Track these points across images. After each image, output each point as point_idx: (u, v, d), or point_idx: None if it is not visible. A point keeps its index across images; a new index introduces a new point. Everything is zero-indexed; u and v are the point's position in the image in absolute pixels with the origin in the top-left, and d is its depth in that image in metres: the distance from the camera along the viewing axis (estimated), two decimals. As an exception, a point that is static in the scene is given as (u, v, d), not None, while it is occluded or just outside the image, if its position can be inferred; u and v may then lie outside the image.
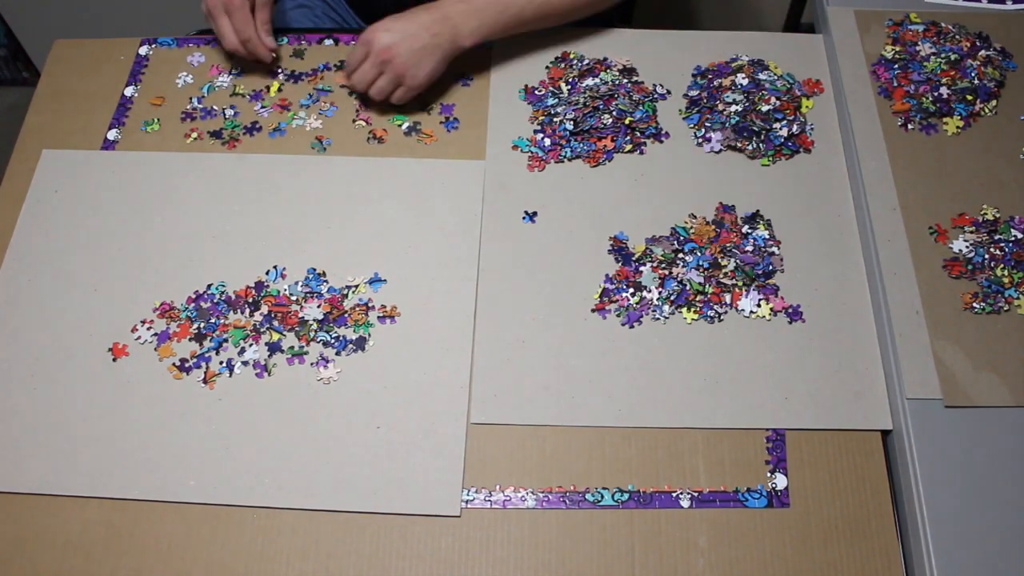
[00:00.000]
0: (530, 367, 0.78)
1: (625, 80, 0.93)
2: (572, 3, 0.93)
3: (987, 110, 0.90)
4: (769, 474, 0.73)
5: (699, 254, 0.82)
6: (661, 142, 0.91)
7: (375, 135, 0.92)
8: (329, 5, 1.18)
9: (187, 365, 0.78)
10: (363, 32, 0.89)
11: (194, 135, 0.92)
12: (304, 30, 1.05)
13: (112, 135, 0.93)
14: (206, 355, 0.79)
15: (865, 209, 0.84)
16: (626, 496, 0.72)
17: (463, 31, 0.88)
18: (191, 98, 0.95)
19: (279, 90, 0.96)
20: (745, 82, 0.92)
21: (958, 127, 0.89)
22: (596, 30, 1.00)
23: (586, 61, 0.95)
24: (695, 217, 0.85)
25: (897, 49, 0.93)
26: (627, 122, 0.90)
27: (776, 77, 0.92)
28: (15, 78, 2.00)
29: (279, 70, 0.97)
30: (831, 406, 0.76)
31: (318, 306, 0.81)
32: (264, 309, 0.81)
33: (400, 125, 0.93)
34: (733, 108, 0.90)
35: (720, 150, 0.90)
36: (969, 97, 0.89)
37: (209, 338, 0.79)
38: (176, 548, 0.71)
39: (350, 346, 0.79)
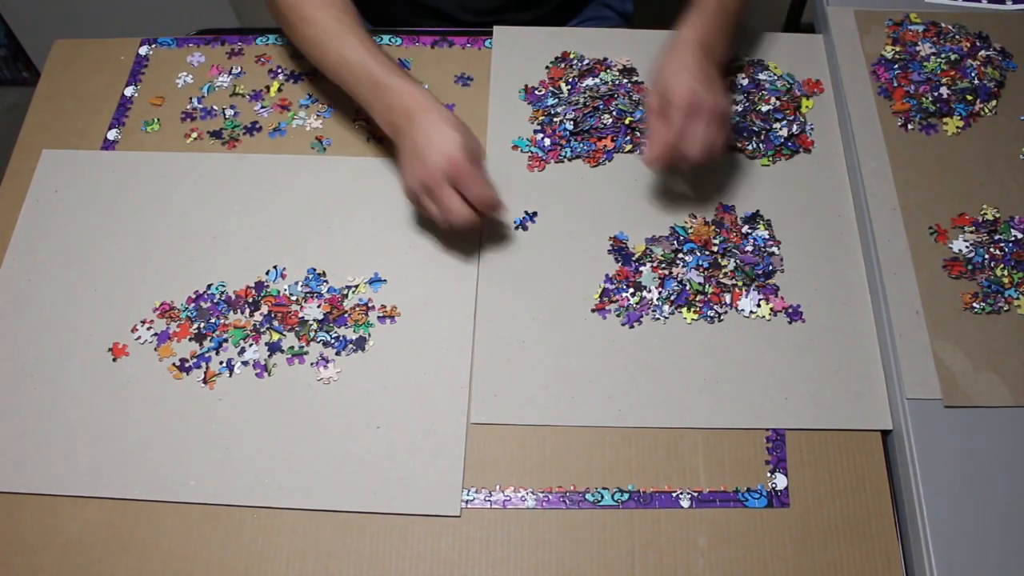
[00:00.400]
0: (530, 367, 0.78)
1: (625, 80, 0.93)
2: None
3: (987, 110, 0.90)
4: (769, 474, 0.73)
5: (699, 254, 0.82)
6: (661, 142, 0.91)
7: (375, 135, 0.92)
8: None
9: (187, 365, 0.78)
10: (679, 96, 0.76)
11: (194, 135, 0.92)
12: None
13: (112, 135, 0.93)
14: (206, 355, 0.79)
15: (865, 209, 0.84)
16: (626, 496, 0.72)
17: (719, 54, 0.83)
18: (191, 98, 0.95)
19: (279, 90, 0.96)
20: (745, 82, 0.92)
21: (958, 127, 0.89)
22: (596, 30, 1.00)
23: (586, 61, 0.95)
24: (695, 217, 0.85)
25: (897, 49, 0.93)
26: (627, 122, 0.90)
27: (776, 77, 0.92)
28: (15, 78, 2.00)
29: (279, 69, 0.97)
30: (831, 406, 0.76)
31: (318, 306, 0.81)
32: (264, 309, 0.81)
33: (400, 125, 0.93)
34: (733, 108, 0.90)
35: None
36: (969, 97, 0.89)
37: (209, 338, 0.79)
38: (176, 548, 0.71)
39: (350, 346, 0.79)
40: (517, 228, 0.85)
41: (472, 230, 0.80)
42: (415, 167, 0.76)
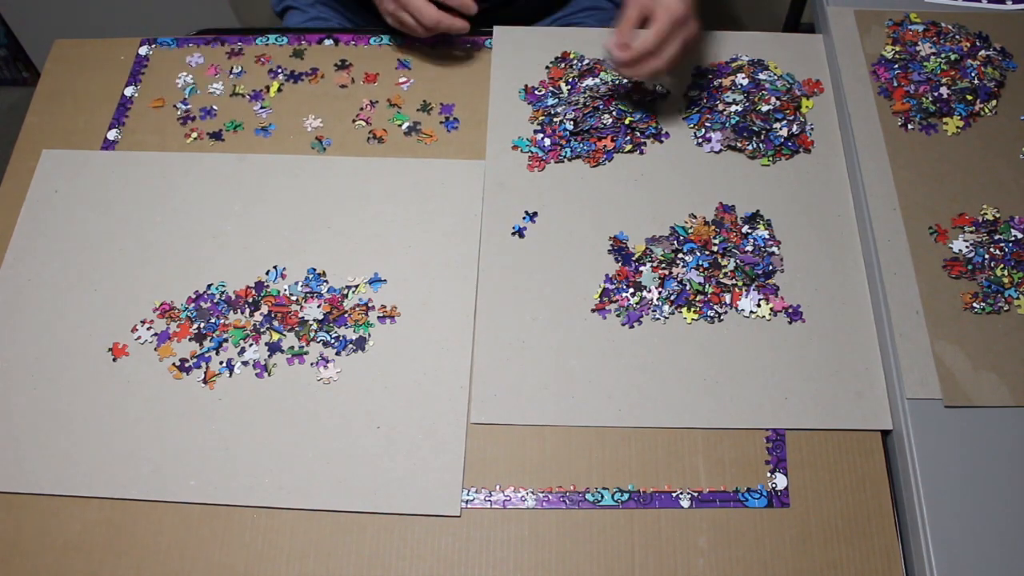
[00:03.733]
0: (530, 367, 0.78)
1: (625, 80, 0.93)
2: None
3: (987, 110, 0.90)
4: (769, 474, 0.73)
5: (699, 254, 0.82)
6: (661, 142, 0.91)
7: (375, 135, 0.92)
8: (322, 5, 1.18)
9: (187, 365, 0.78)
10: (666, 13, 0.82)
11: (194, 135, 0.92)
12: (304, 30, 1.05)
13: (112, 135, 0.93)
14: (206, 355, 0.79)
15: (865, 209, 0.84)
16: (626, 496, 0.72)
17: None
18: (191, 98, 0.95)
19: (279, 90, 0.96)
20: (745, 82, 0.92)
21: (958, 127, 0.89)
22: (596, 30, 1.00)
23: (586, 61, 0.95)
24: (695, 217, 0.85)
25: (897, 49, 0.93)
26: (627, 122, 0.90)
27: (776, 77, 0.92)
28: (15, 78, 2.00)
29: (279, 69, 0.97)
30: (831, 406, 0.76)
31: (318, 306, 0.81)
32: (264, 309, 0.81)
33: (400, 125, 0.93)
34: (733, 108, 0.90)
35: (720, 150, 0.90)
36: (969, 97, 0.89)
37: (209, 338, 0.79)
38: (176, 548, 0.71)
39: (350, 346, 0.79)
40: (516, 228, 0.85)
41: (453, 31, 0.91)
42: None
